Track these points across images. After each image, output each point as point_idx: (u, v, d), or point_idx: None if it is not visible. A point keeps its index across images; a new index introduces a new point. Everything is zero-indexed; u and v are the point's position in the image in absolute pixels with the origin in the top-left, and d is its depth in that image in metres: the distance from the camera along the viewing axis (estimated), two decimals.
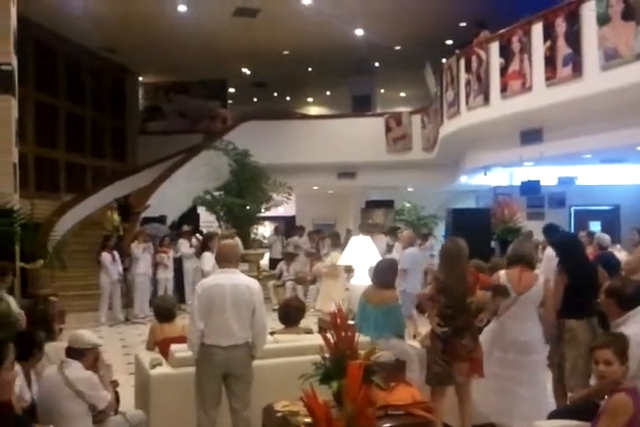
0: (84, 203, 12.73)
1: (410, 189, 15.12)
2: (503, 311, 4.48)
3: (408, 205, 14.96)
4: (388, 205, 15.57)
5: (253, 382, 3.95)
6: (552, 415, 3.68)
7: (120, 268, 9.83)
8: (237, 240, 9.98)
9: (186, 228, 11.55)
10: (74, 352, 3.60)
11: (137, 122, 18.18)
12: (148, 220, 11.83)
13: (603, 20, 6.26)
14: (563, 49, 6.84)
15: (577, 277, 4.61)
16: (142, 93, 18.90)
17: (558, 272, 4.87)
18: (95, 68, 15.80)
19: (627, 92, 6.18)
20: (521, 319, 4.47)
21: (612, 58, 6.17)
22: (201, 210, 13.40)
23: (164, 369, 4.26)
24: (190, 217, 13.24)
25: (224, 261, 4.01)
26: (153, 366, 4.26)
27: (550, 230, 6.96)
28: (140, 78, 18.32)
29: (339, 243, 9.11)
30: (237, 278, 3.95)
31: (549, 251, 6.51)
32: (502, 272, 4.59)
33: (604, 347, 3.00)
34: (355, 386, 2.38)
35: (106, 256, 9.66)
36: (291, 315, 4.87)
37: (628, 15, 5.97)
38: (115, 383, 4.13)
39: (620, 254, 7.74)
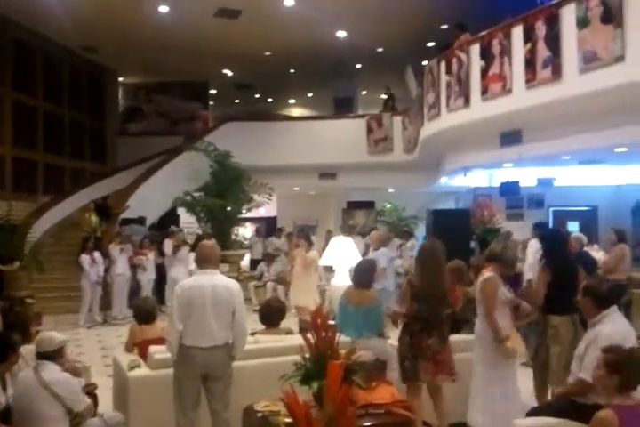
0: (63, 204, 12.58)
1: (391, 191, 15.18)
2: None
3: (389, 206, 15.00)
4: (369, 206, 15.60)
5: (234, 383, 3.94)
6: (531, 413, 3.71)
7: (101, 269, 9.75)
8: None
9: (173, 228, 11.47)
10: (46, 355, 3.54)
11: (116, 123, 18.02)
12: (127, 221, 11.73)
13: (582, 23, 6.31)
14: (542, 52, 6.88)
15: (560, 274, 4.66)
16: (122, 94, 18.75)
17: (542, 268, 4.93)
18: (74, 68, 15.63)
19: (605, 94, 6.24)
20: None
21: (590, 61, 6.22)
22: (181, 211, 13.31)
23: (143, 371, 4.23)
24: (170, 218, 13.15)
25: (204, 261, 3.99)
26: (131, 368, 4.22)
27: (542, 227, 7.07)
28: (120, 78, 18.16)
29: (310, 242, 9.04)
30: (217, 279, 3.93)
31: (533, 248, 6.56)
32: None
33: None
34: (335, 386, 2.38)
35: (84, 258, 9.57)
36: (271, 316, 4.86)
37: (606, 19, 6.02)
38: (93, 386, 4.08)
39: (598, 254, 7.85)
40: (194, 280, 3.97)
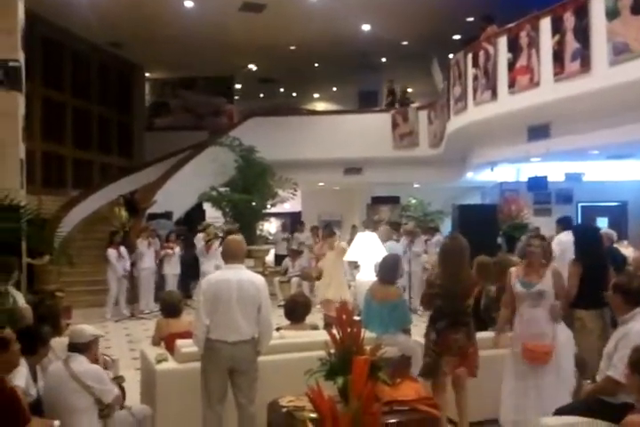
0: (91, 199, 12.77)
1: (416, 186, 15.09)
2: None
3: (414, 201, 14.91)
4: (394, 201, 15.53)
5: (259, 378, 3.96)
6: (560, 411, 3.66)
7: (127, 264, 9.86)
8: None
9: (206, 223, 11.53)
10: (77, 347, 3.61)
11: (143, 118, 18.19)
12: (154, 216, 11.85)
13: (612, 14, 6.20)
14: (571, 43, 6.78)
15: (591, 267, 4.59)
16: (149, 89, 18.91)
17: (573, 261, 4.86)
18: (102, 64, 15.81)
19: (635, 86, 6.13)
20: None
21: (621, 52, 6.11)
22: (207, 206, 13.41)
23: (170, 364, 4.27)
24: (196, 213, 13.26)
25: (230, 257, 4.01)
26: (159, 362, 4.27)
27: (565, 222, 6.99)
28: (147, 74, 18.32)
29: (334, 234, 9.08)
30: (243, 274, 3.95)
31: (563, 243, 6.45)
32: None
33: None
34: (360, 382, 2.38)
35: (111, 252, 9.69)
36: (297, 311, 4.87)
37: (637, 9, 5.92)
38: (121, 379, 4.14)
39: (627, 251, 7.72)
40: (220, 275, 4.00)
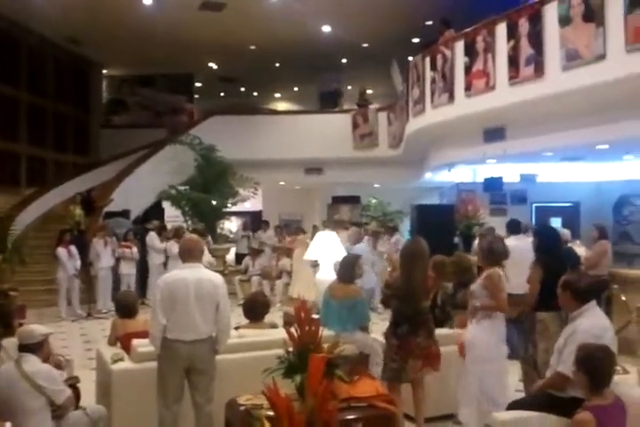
0: (46, 197, 12.50)
1: (376, 185, 15.23)
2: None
3: (374, 200, 15.06)
4: (354, 200, 15.65)
5: (218, 377, 3.96)
6: (511, 406, 3.76)
7: (78, 263, 9.68)
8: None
9: (155, 223, 11.42)
10: (28, 347, 3.54)
11: (100, 115, 17.89)
12: (111, 214, 11.67)
13: (564, 21, 6.38)
14: (525, 49, 6.94)
15: (552, 269, 4.65)
16: (106, 86, 18.59)
17: (534, 264, 4.96)
18: (58, 60, 15.49)
19: (586, 92, 6.31)
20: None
21: (572, 58, 6.28)
22: (166, 205, 13.27)
23: (126, 364, 4.23)
24: (155, 212, 13.11)
25: (187, 255, 3.99)
26: (114, 362, 4.22)
27: (515, 225, 7.12)
28: (105, 71, 18.02)
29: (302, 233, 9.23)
30: (201, 273, 3.94)
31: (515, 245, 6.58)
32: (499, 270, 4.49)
33: None
34: (316, 379, 2.40)
35: (61, 251, 9.50)
36: (255, 310, 4.87)
37: (588, 17, 6.09)
38: (75, 379, 4.08)
39: (580, 250, 7.95)
40: (177, 274, 3.97)
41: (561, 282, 3.84)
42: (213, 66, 17.41)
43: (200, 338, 3.82)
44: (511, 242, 6.63)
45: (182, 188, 12.47)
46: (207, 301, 3.84)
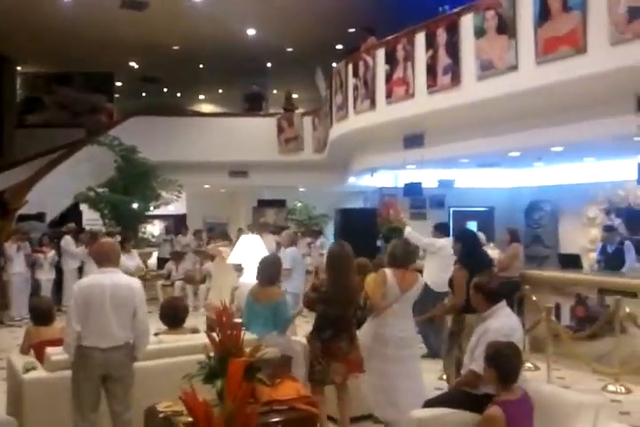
0: None
1: (302, 189, 15.32)
2: (384, 309, 4.64)
3: (299, 204, 15.15)
4: (280, 204, 15.68)
5: (137, 384, 3.88)
6: (427, 404, 3.89)
7: None
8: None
9: (70, 226, 11.02)
10: None
11: (14, 114, 17.09)
12: (25, 217, 11.16)
13: (479, 32, 6.63)
14: (443, 58, 7.16)
15: (476, 271, 4.80)
16: (20, 84, 17.79)
17: (459, 267, 5.14)
18: None
19: (499, 101, 6.60)
20: (401, 316, 4.67)
21: (487, 69, 6.54)
22: (84, 207, 12.85)
23: (39, 373, 4.08)
24: (72, 215, 12.65)
25: (104, 260, 3.89)
26: (27, 371, 4.06)
27: (443, 228, 7.41)
28: (19, 67, 17.23)
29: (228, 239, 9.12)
30: (118, 278, 3.86)
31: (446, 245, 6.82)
32: (387, 270, 4.72)
33: None
34: (235, 383, 2.41)
35: None
36: (175, 315, 4.79)
37: (501, 29, 6.36)
38: None
39: (493, 252, 8.30)
40: (92, 279, 3.87)
41: (472, 284, 4.01)
42: (135, 65, 17.00)
43: (116, 345, 3.74)
44: (443, 242, 6.93)
45: (101, 190, 12.11)
46: (124, 306, 3.76)
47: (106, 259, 3.89)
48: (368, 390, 4.61)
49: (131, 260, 9.29)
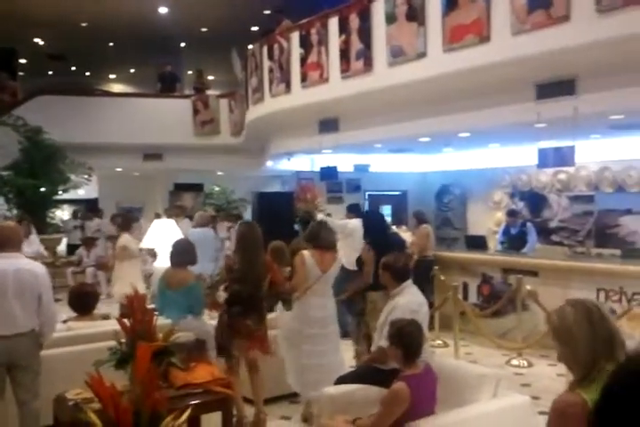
0: None
1: (220, 173, 15.14)
2: (306, 289, 4.69)
3: (217, 188, 14.99)
4: (197, 188, 15.44)
5: (46, 372, 3.79)
6: (339, 381, 4.02)
7: None
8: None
9: None
10: None
11: None
12: None
13: (390, 19, 6.74)
14: (356, 44, 7.23)
15: (380, 251, 4.96)
16: None
17: (367, 247, 5.28)
18: None
19: (409, 88, 6.75)
20: (322, 295, 4.78)
21: (397, 55, 6.68)
22: None
23: None
24: None
25: (5, 245, 3.74)
26: None
27: (355, 209, 7.55)
28: None
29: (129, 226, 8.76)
30: (20, 263, 3.74)
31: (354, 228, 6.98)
32: (306, 252, 4.80)
33: None
34: (143, 368, 2.40)
35: None
36: (83, 302, 4.68)
37: (411, 16, 6.50)
38: None
39: (406, 235, 8.60)
40: None
41: (381, 263, 4.17)
42: (39, 41, 16.13)
43: (21, 332, 3.64)
44: (354, 222, 7.11)
45: (5, 173, 11.52)
46: (28, 292, 3.66)
47: (7, 244, 3.74)
48: (297, 371, 4.69)
49: (28, 246, 8.77)
